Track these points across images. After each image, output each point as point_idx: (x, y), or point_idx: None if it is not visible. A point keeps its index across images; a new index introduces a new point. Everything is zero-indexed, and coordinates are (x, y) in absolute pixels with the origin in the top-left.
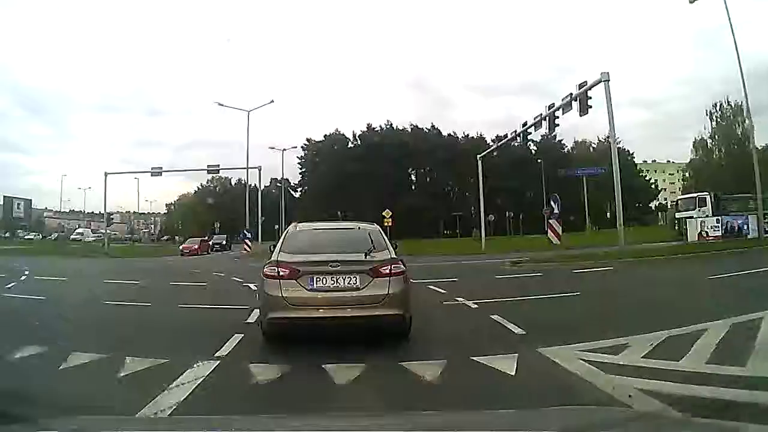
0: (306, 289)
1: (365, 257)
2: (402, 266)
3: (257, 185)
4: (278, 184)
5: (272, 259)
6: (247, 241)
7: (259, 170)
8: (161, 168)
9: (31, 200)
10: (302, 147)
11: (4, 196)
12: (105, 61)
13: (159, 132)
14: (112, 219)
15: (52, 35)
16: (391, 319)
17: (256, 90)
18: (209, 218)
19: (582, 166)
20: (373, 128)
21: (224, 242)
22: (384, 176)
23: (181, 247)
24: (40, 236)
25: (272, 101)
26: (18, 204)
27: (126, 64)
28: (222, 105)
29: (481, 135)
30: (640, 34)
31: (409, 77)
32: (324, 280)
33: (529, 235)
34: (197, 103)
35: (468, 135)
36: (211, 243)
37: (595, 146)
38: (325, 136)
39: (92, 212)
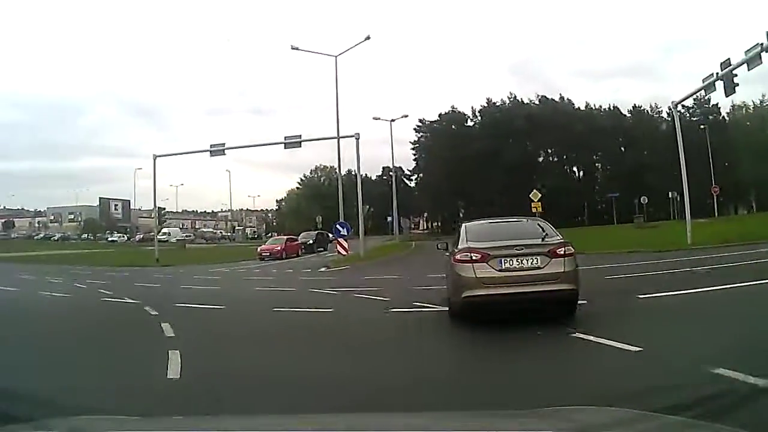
0: (496, 270)
1: (542, 241)
2: (572, 248)
3: (355, 172)
4: (390, 172)
5: (460, 247)
6: (341, 241)
7: (357, 139)
8: (223, 145)
9: (129, 201)
10: (414, 129)
11: (100, 198)
12: (210, 67)
13: (266, 130)
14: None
15: (156, 47)
16: (567, 293)
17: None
18: (313, 213)
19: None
20: (494, 103)
21: (312, 240)
22: (511, 156)
23: (259, 250)
24: (125, 238)
25: (368, 37)
26: (115, 205)
27: (232, 67)
28: (300, 49)
29: (614, 107)
30: None
31: (511, 61)
32: (511, 261)
33: (700, 219)
34: (303, 101)
35: (603, 107)
36: (300, 242)
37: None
38: (439, 115)
39: (207, 211)
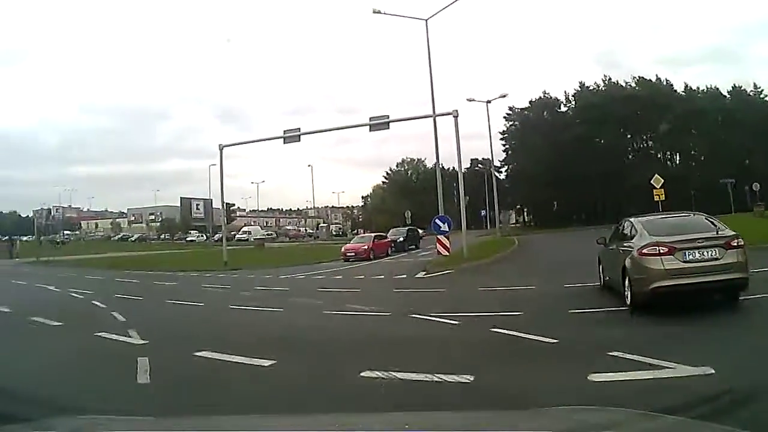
0: (681, 262)
1: (717, 234)
2: (742, 240)
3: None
4: (479, 165)
5: (646, 241)
6: (442, 239)
7: (456, 117)
8: (298, 130)
9: (211, 200)
10: (504, 117)
11: (182, 198)
12: (292, 65)
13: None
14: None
15: (237, 50)
16: (741, 281)
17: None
18: (400, 208)
19: None
20: (587, 87)
21: (403, 238)
22: (608, 142)
23: (343, 249)
24: (204, 237)
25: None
26: (197, 204)
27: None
28: (383, 12)
29: (714, 87)
30: None
31: (595, 50)
32: (694, 253)
33: None
34: (387, 99)
35: (701, 88)
36: (389, 240)
37: None
38: (530, 102)
39: (291, 209)
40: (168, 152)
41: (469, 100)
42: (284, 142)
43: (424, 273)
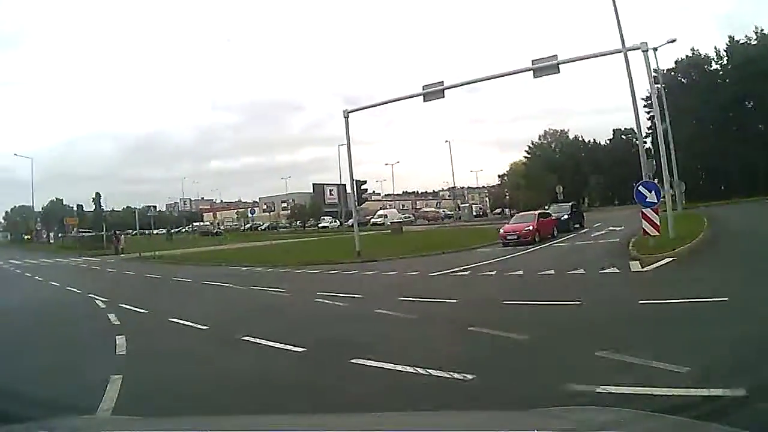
0: None
1: None
2: None
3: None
4: (623, 136)
5: None
6: (649, 213)
7: (645, 51)
8: (441, 84)
9: (344, 185)
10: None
11: (314, 184)
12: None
13: (478, 107)
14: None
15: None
16: None
17: None
18: (546, 183)
19: None
20: (738, 41)
21: (567, 215)
22: None
23: (503, 231)
24: (337, 223)
25: None
26: (330, 190)
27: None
28: None
29: None
30: None
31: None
32: None
33: None
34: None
35: None
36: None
37: None
38: (676, 62)
39: (427, 191)
40: (301, 142)
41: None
42: (424, 100)
43: (639, 264)
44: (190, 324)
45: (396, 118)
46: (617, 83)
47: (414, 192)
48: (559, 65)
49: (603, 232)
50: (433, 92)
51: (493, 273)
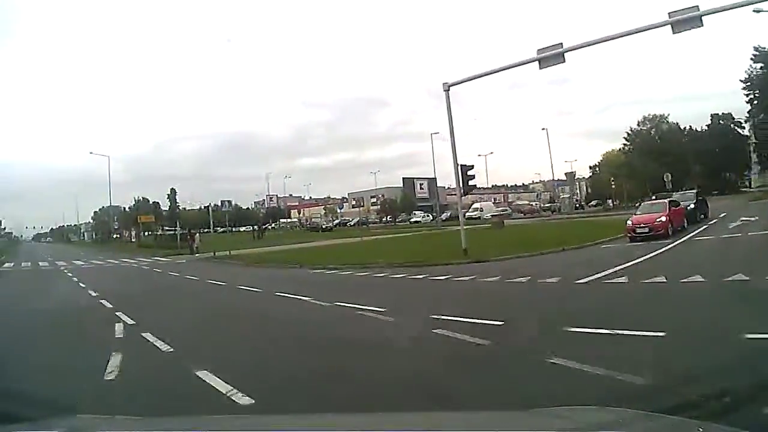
0: None
1: None
2: None
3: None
4: (721, 121)
5: None
6: None
7: None
8: (560, 46)
9: (435, 179)
10: (751, 58)
11: (404, 178)
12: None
13: (565, 100)
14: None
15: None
16: None
17: None
18: (647, 172)
19: None
20: None
21: (693, 204)
22: None
23: (631, 223)
24: (429, 217)
25: None
26: (420, 184)
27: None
28: None
29: None
30: None
31: None
32: None
33: None
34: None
35: None
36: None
37: None
38: None
39: (517, 184)
40: (389, 138)
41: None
42: (540, 67)
43: None
44: (227, 389)
45: (482, 112)
46: (708, 66)
47: (503, 185)
48: (701, 17)
49: (737, 223)
50: (550, 56)
51: (663, 280)
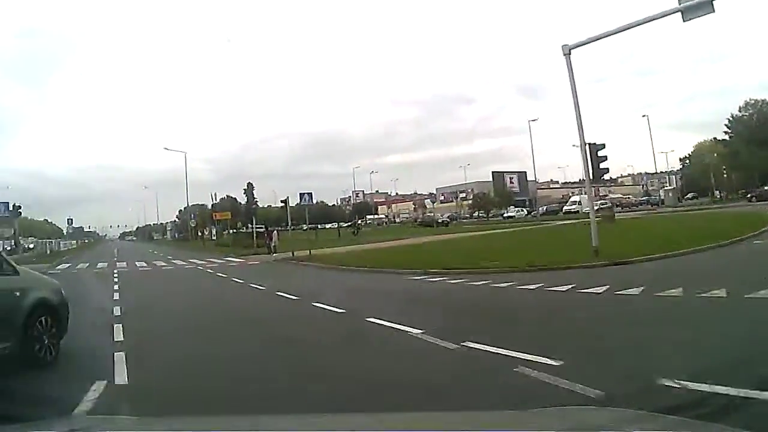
0: None
1: None
2: None
3: None
4: None
5: None
6: None
7: None
8: None
9: (525, 173)
10: None
11: (493, 172)
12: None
13: (651, 93)
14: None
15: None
16: None
17: None
18: (757, 161)
19: None
20: None
21: None
22: None
23: None
24: (524, 212)
25: None
26: (510, 178)
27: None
28: None
29: None
30: None
31: None
32: None
33: None
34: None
35: None
36: None
37: None
38: None
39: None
40: (474, 134)
41: None
42: (684, 19)
43: None
44: None
45: (565, 107)
46: None
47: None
48: None
49: None
50: (697, 5)
51: None
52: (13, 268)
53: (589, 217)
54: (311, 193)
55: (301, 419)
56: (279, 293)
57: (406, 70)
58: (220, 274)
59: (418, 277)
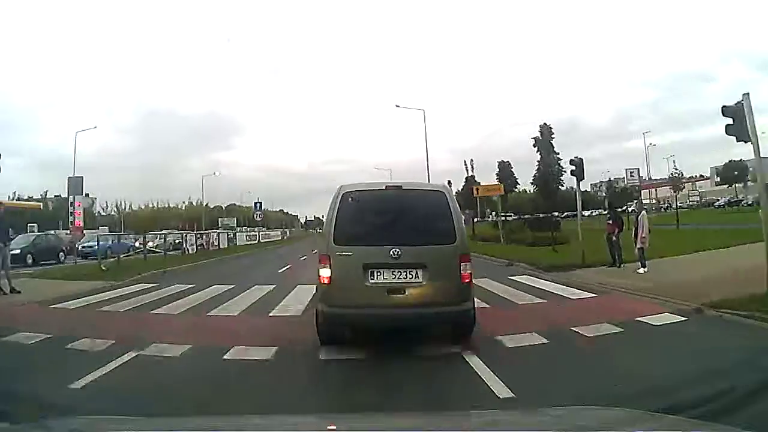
0: None
1: None
2: None
3: None
4: None
5: None
6: None
7: None
8: None
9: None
10: None
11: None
12: None
13: None
14: None
15: None
16: None
17: None
18: None
19: None
20: None
21: None
22: None
23: None
24: None
25: None
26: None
27: None
28: None
29: None
30: None
31: None
32: None
33: None
34: None
35: None
36: None
37: None
38: None
39: None
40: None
41: None
42: None
43: None
44: None
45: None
46: None
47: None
48: None
49: None
50: None
51: None
52: None
53: None
54: (602, 182)
55: (302, 419)
56: None
57: (645, 50)
58: None
59: None
